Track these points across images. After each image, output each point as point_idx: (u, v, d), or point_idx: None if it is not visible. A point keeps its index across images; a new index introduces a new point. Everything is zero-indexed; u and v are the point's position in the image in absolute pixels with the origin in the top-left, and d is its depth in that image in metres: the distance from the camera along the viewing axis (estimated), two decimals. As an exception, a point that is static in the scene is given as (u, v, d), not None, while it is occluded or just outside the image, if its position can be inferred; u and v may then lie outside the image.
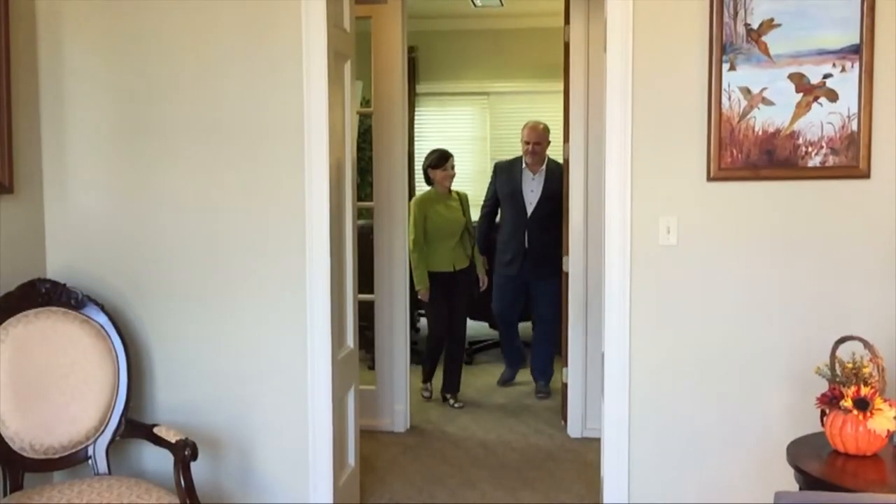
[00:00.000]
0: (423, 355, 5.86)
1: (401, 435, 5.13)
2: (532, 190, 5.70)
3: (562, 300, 5.17)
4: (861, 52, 3.07)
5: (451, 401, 5.66)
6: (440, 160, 5.51)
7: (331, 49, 3.34)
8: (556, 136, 5.56)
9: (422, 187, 6.15)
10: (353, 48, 3.78)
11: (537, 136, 5.66)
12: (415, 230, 5.40)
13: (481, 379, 6.31)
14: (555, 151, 5.48)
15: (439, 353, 5.73)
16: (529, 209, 5.69)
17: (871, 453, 2.59)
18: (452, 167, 5.52)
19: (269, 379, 3.43)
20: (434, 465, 4.62)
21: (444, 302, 5.58)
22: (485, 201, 6.12)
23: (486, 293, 5.99)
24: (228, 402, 3.45)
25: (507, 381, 6.15)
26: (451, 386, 5.72)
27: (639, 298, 3.27)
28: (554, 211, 5.42)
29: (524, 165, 5.74)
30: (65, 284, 3.21)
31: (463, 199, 5.65)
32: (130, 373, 3.21)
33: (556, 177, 5.46)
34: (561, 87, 5.11)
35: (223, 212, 3.41)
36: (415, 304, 5.65)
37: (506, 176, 5.86)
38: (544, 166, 5.69)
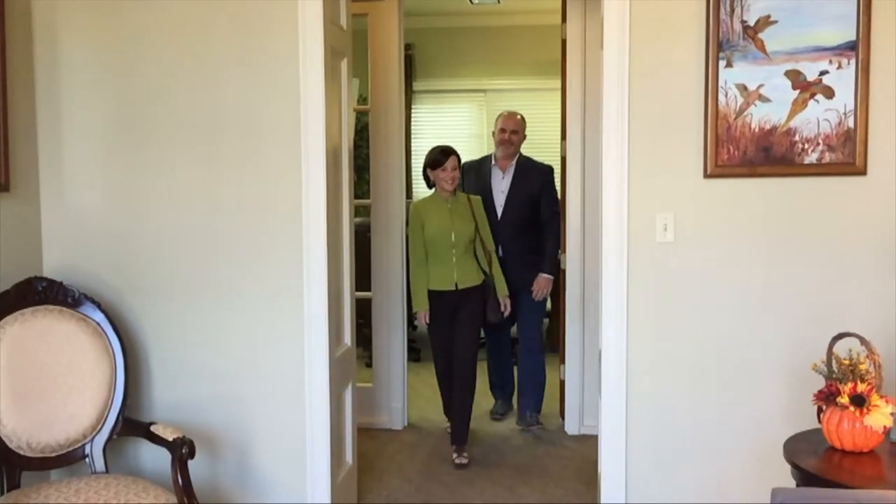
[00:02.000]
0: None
1: (398, 432, 5.13)
2: (502, 190, 5.03)
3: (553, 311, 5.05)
4: (857, 48, 3.07)
5: (454, 455, 4.59)
6: (439, 158, 4.62)
7: (327, 46, 3.34)
8: (553, 133, 5.53)
9: (420, 187, 5.82)
10: (349, 45, 3.78)
11: (514, 124, 5.05)
12: (413, 244, 4.65)
13: (479, 376, 6.29)
14: (553, 148, 5.45)
15: (444, 389, 4.87)
16: (500, 211, 5.00)
17: (867, 450, 2.59)
18: (454, 167, 4.60)
19: (267, 377, 3.43)
20: (432, 463, 4.62)
21: (444, 329, 4.66)
22: None
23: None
24: (226, 400, 3.45)
25: (502, 413, 5.41)
26: (456, 434, 4.64)
27: (636, 295, 3.27)
28: (528, 211, 5.01)
29: (493, 162, 5.12)
30: (61, 283, 3.21)
31: (474, 204, 4.72)
32: (127, 371, 3.21)
33: (529, 173, 5.04)
34: (558, 84, 5.11)
35: (220, 209, 3.40)
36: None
37: (474, 176, 5.15)
38: (514, 162, 5.05)
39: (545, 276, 5.00)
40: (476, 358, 4.71)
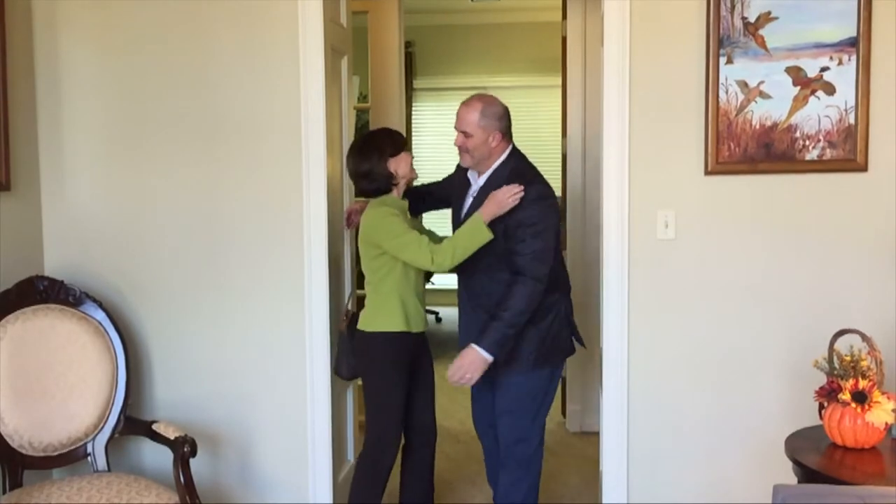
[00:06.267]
0: (361, 482, 3.25)
1: (400, 430, 5.12)
2: (470, 199, 3.18)
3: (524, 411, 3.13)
4: (858, 45, 3.07)
5: None
6: (398, 141, 3.22)
7: (327, 44, 3.34)
8: (553, 130, 5.49)
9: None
10: (349, 43, 3.78)
11: (464, 121, 3.07)
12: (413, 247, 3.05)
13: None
14: (554, 145, 5.40)
15: (386, 477, 3.25)
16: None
17: (869, 446, 2.59)
18: None
19: (268, 375, 3.43)
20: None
21: (405, 382, 3.20)
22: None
23: None
24: (227, 398, 3.45)
25: None
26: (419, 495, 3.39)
27: (637, 293, 3.27)
28: (499, 242, 2.98)
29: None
30: (62, 282, 3.21)
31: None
32: (129, 369, 3.21)
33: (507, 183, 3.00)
34: (558, 81, 5.11)
35: (221, 208, 3.40)
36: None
37: (455, 181, 3.35)
38: (495, 167, 3.10)
39: (476, 349, 2.96)
40: None
